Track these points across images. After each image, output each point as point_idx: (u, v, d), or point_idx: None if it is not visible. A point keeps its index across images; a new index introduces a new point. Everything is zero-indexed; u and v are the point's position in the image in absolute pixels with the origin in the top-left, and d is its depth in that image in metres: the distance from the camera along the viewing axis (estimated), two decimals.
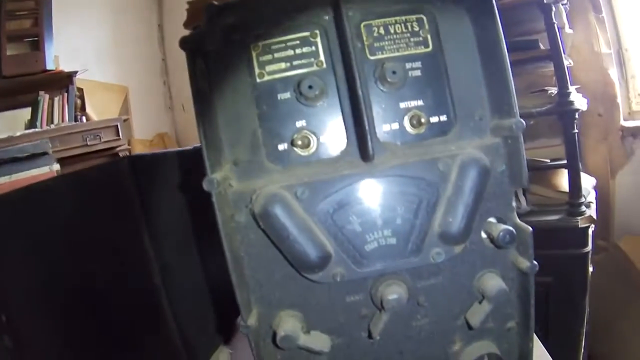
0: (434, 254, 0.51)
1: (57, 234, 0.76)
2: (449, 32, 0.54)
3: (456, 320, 0.57)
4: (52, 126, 2.56)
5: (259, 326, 0.54)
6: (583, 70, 2.22)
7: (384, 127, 0.53)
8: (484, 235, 0.55)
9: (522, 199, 1.75)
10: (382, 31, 0.54)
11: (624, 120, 2.28)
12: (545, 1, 1.65)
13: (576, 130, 1.69)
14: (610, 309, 2.28)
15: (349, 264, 0.51)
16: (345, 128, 0.53)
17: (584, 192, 1.74)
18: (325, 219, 0.50)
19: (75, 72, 2.77)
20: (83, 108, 2.81)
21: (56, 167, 1.46)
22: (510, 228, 0.51)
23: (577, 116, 1.70)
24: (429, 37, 0.54)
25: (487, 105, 0.54)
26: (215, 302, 0.84)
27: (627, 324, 2.26)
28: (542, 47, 1.83)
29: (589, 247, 1.75)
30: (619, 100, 2.25)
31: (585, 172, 1.99)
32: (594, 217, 1.73)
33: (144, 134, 3.25)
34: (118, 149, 2.57)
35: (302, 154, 0.53)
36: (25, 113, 2.77)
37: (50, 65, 2.69)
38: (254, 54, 0.54)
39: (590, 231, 1.74)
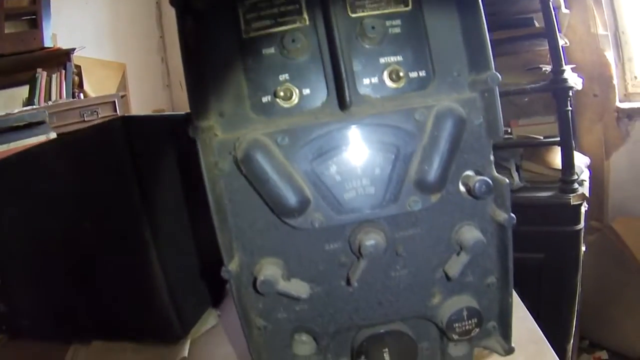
0: (410, 202, 0.53)
1: (51, 195, 0.77)
2: None
3: (435, 272, 0.58)
4: (50, 103, 2.56)
5: (240, 273, 0.55)
6: (579, 51, 2.23)
7: (364, 81, 0.54)
8: (462, 188, 0.56)
9: (515, 175, 1.77)
10: None
11: (620, 101, 2.28)
12: None
13: (570, 108, 1.71)
14: (603, 293, 2.30)
15: (328, 211, 0.52)
16: (326, 81, 0.54)
17: (577, 170, 1.76)
18: (304, 166, 0.52)
19: (73, 50, 2.78)
20: (80, 85, 2.82)
21: (53, 135, 1.48)
22: (486, 178, 0.52)
23: (571, 94, 1.72)
24: None
25: (464, 62, 0.55)
26: (205, 266, 0.86)
27: (620, 309, 2.28)
28: (537, 25, 1.83)
29: (582, 225, 1.76)
30: (615, 82, 2.25)
31: (579, 152, 2.01)
32: (587, 195, 1.75)
33: (141, 111, 3.26)
34: None
35: (285, 105, 0.54)
36: (23, 91, 2.78)
37: (48, 43, 2.70)
38: (240, 12, 0.55)
39: (582, 209, 1.76)
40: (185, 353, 0.75)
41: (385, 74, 0.55)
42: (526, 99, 1.87)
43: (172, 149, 0.81)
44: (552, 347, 0.65)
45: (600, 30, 2.22)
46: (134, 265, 0.75)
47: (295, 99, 0.54)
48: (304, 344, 0.61)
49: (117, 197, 0.73)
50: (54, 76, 2.74)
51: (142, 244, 0.73)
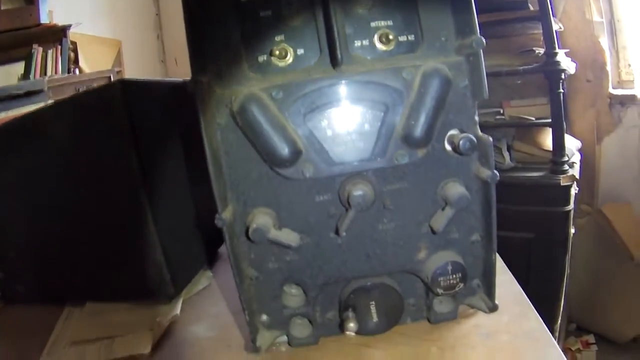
0: (397, 155, 0.55)
1: (48, 159, 0.78)
2: None
3: (421, 227, 0.61)
4: (46, 78, 2.57)
5: (233, 222, 0.58)
6: (574, 37, 2.24)
7: (355, 43, 0.57)
8: (448, 147, 0.58)
9: (506, 154, 1.79)
10: None
11: (613, 88, 2.30)
12: None
13: (562, 90, 1.73)
14: (592, 278, 2.34)
15: (318, 162, 0.55)
16: (319, 42, 0.57)
17: (567, 152, 1.78)
18: (297, 120, 0.54)
19: (69, 26, 2.78)
20: (76, 61, 2.83)
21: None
22: (471, 136, 0.55)
23: (563, 76, 1.74)
24: None
25: (452, 28, 0.58)
26: (201, 229, 0.87)
27: (608, 294, 2.32)
28: (531, 8, 1.85)
29: (571, 206, 1.79)
30: (609, 68, 2.27)
31: (571, 136, 2.03)
32: (577, 176, 1.77)
33: None
34: None
35: (280, 64, 0.57)
36: (19, 68, 2.78)
37: (44, 19, 2.70)
38: None
39: (572, 191, 1.78)
40: (178, 311, 0.77)
41: (376, 37, 0.57)
42: (519, 81, 1.90)
43: (172, 112, 0.82)
44: None
45: (596, 17, 2.24)
46: (129, 227, 0.77)
47: (289, 58, 0.57)
48: (293, 296, 0.64)
49: (115, 159, 0.74)
50: (49, 52, 2.74)
51: (138, 206, 0.74)
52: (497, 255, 0.78)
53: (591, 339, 2.39)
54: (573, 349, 2.35)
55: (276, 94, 0.54)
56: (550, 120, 1.75)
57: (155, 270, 0.78)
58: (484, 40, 0.53)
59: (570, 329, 2.44)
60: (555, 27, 1.80)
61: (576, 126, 2.30)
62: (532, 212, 1.79)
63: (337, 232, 0.58)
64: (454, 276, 0.61)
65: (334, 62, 0.55)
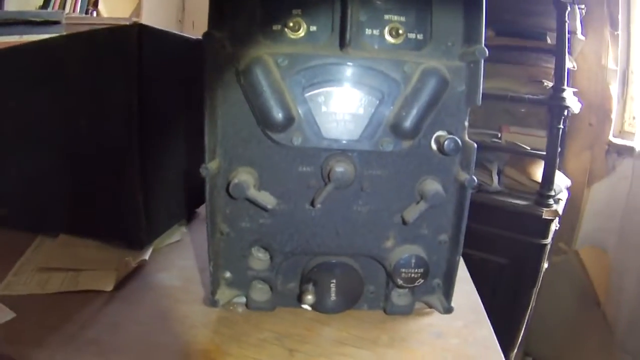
0: (383, 142, 0.58)
1: (54, 87, 0.79)
2: None
3: (393, 217, 0.63)
4: (64, 12, 2.56)
5: (217, 175, 0.60)
6: (585, 79, 2.26)
7: (366, 31, 0.59)
8: (434, 146, 0.61)
9: (495, 177, 1.81)
10: None
11: (614, 136, 2.32)
12: None
13: (561, 126, 1.75)
14: (555, 316, 2.36)
15: (308, 133, 0.58)
16: (332, 23, 0.59)
17: (556, 187, 1.81)
18: (297, 90, 0.57)
19: None
20: (96, 4, 2.81)
21: None
22: (456, 138, 0.57)
23: (566, 113, 1.76)
24: None
25: (460, 35, 0.60)
26: (185, 184, 0.89)
27: (569, 335, 2.35)
28: (549, 41, 1.87)
29: (549, 241, 1.82)
30: (613, 116, 2.29)
31: (563, 173, 2.06)
32: (560, 213, 1.80)
33: None
34: None
35: (291, 36, 0.59)
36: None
37: None
38: None
39: (553, 226, 1.81)
40: (147, 257, 0.79)
41: (387, 29, 0.60)
42: (522, 110, 1.92)
43: (181, 66, 0.83)
44: None
45: (611, 64, 2.25)
46: (116, 167, 0.78)
47: (302, 32, 0.59)
48: (259, 260, 0.67)
49: (117, 98, 0.75)
50: None
51: (127, 148, 0.75)
52: (464, 266, 0.81)
53: None
54: None
55: (282, 61, 0.56)
56: (544, 152, 1.77)
57: (133, 215, 0.79)
58: (486, 50, 0.56)
59: None
60: (569, 65, 1.82)
61: (570, 165, 2.32)
62: (510, 239, 1.81)
63: (312, 204, 0.61)
64: (416, 270, 0.64)
65: (342, 43, 0.58)
